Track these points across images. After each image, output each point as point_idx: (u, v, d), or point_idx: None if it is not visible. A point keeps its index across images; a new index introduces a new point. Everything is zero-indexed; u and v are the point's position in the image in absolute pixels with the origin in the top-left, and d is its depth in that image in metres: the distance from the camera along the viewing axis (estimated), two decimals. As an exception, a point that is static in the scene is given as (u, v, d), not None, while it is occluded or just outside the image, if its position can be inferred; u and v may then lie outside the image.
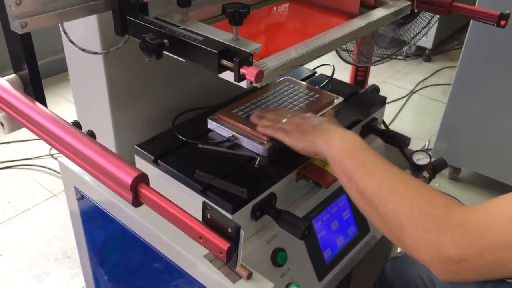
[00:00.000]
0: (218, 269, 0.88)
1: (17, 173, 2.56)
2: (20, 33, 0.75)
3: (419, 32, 2.08)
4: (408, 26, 1.99)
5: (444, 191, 2.52)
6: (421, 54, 3.89)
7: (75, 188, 1.16)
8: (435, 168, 1.22)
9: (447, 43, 4.07)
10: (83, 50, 0.95)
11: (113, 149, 1.09)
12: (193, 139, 1.03)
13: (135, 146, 1.02)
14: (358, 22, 0.97)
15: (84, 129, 1.15)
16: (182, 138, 1.03)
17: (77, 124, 0.76)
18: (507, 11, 1.09)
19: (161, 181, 0.99)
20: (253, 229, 0.96)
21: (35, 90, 0.82)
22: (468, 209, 0.73)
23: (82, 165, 0.65)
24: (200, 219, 0.98)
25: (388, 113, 1.41)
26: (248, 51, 0.73)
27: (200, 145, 1.01)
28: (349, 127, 1.14)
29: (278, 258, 0.96)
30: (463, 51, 2.26)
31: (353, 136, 0.90)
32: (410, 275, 1.24)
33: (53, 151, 2.68)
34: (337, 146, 0.88)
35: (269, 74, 0.76)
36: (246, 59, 0.72)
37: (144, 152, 1.01)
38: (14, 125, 0.82)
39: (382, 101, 1.26)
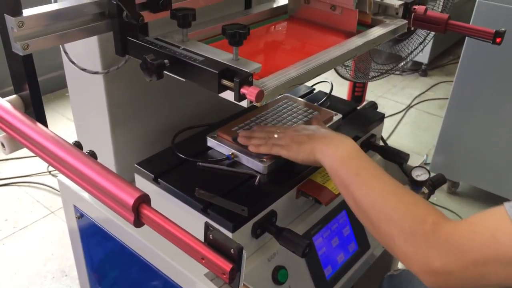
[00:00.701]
0: (219, 287, 0.88)
1: (15, 190, 2.55)
2: (21, 54, 0.75)
3: (415, 48, 2.10)
4: (405, 42, 2.01)
5: (442, 205, 2.52)
6: (417, 69, 3.92)
7: (74, 206, 1.15)
8: (434, 184, 1.22)
9: (442, 58, 4.11)
10: (84, 70, 0.96)
11: (113, 167, 1.10)
12: (193, 157, 1.03)
13: (135, 165, 1.02)
14: (356, 41, 0.98)
15: (84, 147, 1.15)
16: (182, 156, 1.04)
17: (78, 145, 0.76)
18: (503, 29, 1.11)
19: (161, 199, 0.99)
20: (253, 247, 0.95)
21: (36, 111, 0.83)
22: (454, 226, 0.76)
23: (83, 186, 0.65)
24: (202, 238, 0.97)
25: (385, 128, 1.41)
26: (248, 71, 0.74)
27: (200, 163, 1.02)
28: (348, 143, 1.14)
29: (279, 275, 0.96)
30: (459, 65, 2.28)
31: (347, 142, 0.92)
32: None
33: (51, 168, 2.67)
34: (332, 154, 0.90)
35: (269, 94, 0.77)
36: (246, 79, 0.73)
37: (144, 170, 1.01)
38: (15, 146, 0.82)
39: (381, 118, 1.27)
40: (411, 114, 3.42)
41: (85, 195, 1.10)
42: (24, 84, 0.81)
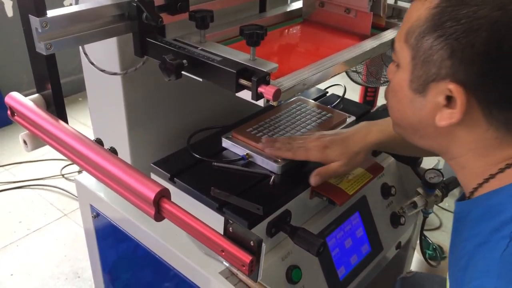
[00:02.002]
0: (234, 285, 0.89)
1: (29, 193, 2.59)
2: (45, 54, 0.77)
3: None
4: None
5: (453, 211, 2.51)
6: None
7: (91, 206, 1.17)
8: (447, 187, 1.22)
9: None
10: (103, 71, 0.98)
11: (129, 167, 1.11)
12: (208, 157, 1.05)
13: (151, 164, 1.04)
14: (370, 43, 0.99)
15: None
16: (197, 156, 1.05)
17: (99, 142, 0.78)
18: None
19: (177, 198, 1.00)
20: (268, 246, 0.96)
21: (58, 109, 0.85)
22: None
23: (105, 181, 0.67)
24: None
25: (397, 133, 1.43)
26: (265, 70, 0.75)
27: (215, 163, 1.03)
28: (362, 145, 1.15)
29: (293, 275, 0.96)
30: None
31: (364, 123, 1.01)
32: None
33: (64, 171, 2.70)
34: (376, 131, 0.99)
35: (286, 93, 0.78)
36: (263, 79, 0.74)
37: (160, 170, 1.02)
38: (37, 143, 0.84)
39: (393, 120, 1.27)
40: (422, 120, 3.41)
41: (102, 194, 1.12)
42: (46, 83, 0.83)
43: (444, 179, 1.21)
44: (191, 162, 1.05)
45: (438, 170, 1.21)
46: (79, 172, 2.53)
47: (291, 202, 0.98)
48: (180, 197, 0.99)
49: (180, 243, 0.98)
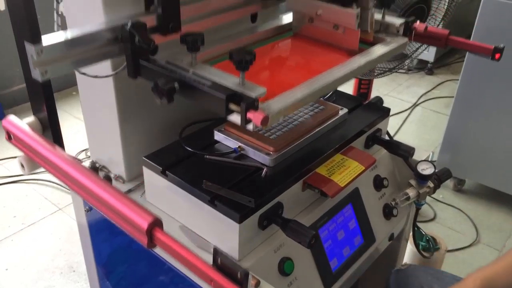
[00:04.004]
0: (226, 278, 0.89)
1: (23, 187, 2.58)
2: (40, 80, 0.78)
3: (420, 46, 2.11)
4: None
5: (448, 203, 2.53)
6: (423, 67, 3.92)
7: (83, 199, 1.17)
8: (439, 178, 1.23)
9: (448, 57, 4.11)
10: (95, 76, 0.97)
11: (121, 161, 1.11)
12: (200, 150, 1.05)
13: (143, 158, 1.04)
14: (359, 61, 1.00)
15: (94, 141, 1.18)
16: (190, 149, 1.05)
17: (94, 168, 0.78)
18: (502, 45, 1.13)
19: (169, 191, 1.00)
20: (260, 238, 0.97)
21: (54, 133, 0.86)
22: None
23: (99, 208, 0.69)
24: (210, 231, 1.00)
25: (391, 126, 1.42)
26: (253, 96, 0.77)
27: (207, 156, 1.03)
28: (354, 138, 1.16)
29: (285, 267, 0.97)
30: (465, 64, 2.28)
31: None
32: (413, 287, 1.25)
33: (59, 165, 2.70)
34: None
35: (274, 117, 0.80)
36: (252, 104, 0.76)
37: (152, 163, 1.02)
38: (33, 166, 0.85)
39: (386, 112, 1.28)
40: (417, 112, 3.42)
41: (94, 188, 1.12)
42: (42, 106, 0.84)
43: (436, 170, 1.21)
44: (183, 155, 1.05)
45: (431, 161, 1.22)
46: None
47: (283, 195, 0.98)
48: (172, 190, 1.00)
49: (173, 236, 0.99)
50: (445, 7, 1.98)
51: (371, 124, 1.22)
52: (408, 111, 3.40)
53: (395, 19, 1.15)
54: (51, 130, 0.85)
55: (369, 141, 1.22)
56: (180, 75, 0.84)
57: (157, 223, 0.63)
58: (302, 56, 1.11)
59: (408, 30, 1.15)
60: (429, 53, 3.72)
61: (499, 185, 2.43)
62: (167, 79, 0.81)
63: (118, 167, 1.14)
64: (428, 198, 2.61)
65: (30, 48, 0.76)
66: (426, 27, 1.16)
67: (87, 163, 1.20)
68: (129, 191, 1.11)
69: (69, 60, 0.81)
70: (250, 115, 0.75)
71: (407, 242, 1.53)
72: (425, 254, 1.59)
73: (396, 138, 3.04)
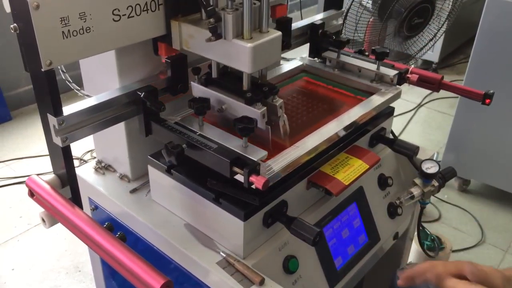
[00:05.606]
0: (231, 275, 0.90)
1: (29, 188, 2.59)
2: (61, 146, 0.84)
3: (425, 45, 2.11)
4: (414, 39, 2.02)
5: (453, 203, 2.52)
6: (428, 67, 3.91)
7: (89, 198, 1.18)
8: (444, 177, 1.23)
9: (453, 57, 4.10)
10: None
11: (127, 159, 1.12)
12: (205, 149, 1.05)
13: (148, 156, 1.04)
14: (355, 112, 1.07)
15: (99, 140, 1.18)
16: (194, 148, 1.06)
17: (109, 228, 0.92)
18: (491, 91, 1.19)
19: (174, 190, 1.01)
20: (265, 236, 0.97)
21: (72, 191, 0.92)
22: None
23: (114, 265, 0.72)
24: (215, 227, 0.99)
25: (396, 126, 1.42)
26: (255, 160, 0.85)
27: (212, 155, 1.03)
28: (358, 136, 1.16)
29: (289, 265, 0.97)
30: (469, 64, 2.28)
31: None
32: (419, 287, 1.25)
33: (64, 166, 2.71)
34: None
35: (273, 176, 0.89)
36: (254, 169, 0.83)
37: (157, 161, 1.03)
38: (54, 221, 0.90)
39: (390, 111, 1.28)
40: (421, 113, 3.41)
41: (100, 187, 1.13)
42: (61, 164, 0.89)
43: (440, 169, 1.21)
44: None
45: (435, 160, 1.22)
46: (78, 166, 2.53)
47: (287, 193, 0.98)
48: (177, 189, 1.00)
49: (178, 235, 0.99)
50: (449, 7, 1.98)
51: (375, 123, 1.22)
52: (413, 112, 3.39)
53: (389, 70, 1.23)
54: (70, 187, 0.92)
55: (373, 140, 1.22)
56: (188, 137, 0.92)
57: (169, 285, 0.67)
58: (307, 103, 1.21)
59: (402, 80, 1.23)
60: (433, 54, 3.71)
61: (505, 185, 2.43)
62: (176, 140, 0.91)
63: (123, 166, 1.15)
64: (433, 199, 2.61)
65: (52, 119, 0.83)
66: (419, 77, 1.23)
67: (92, 163, 1.20)
68: (135, 190, 1.11)
69: (88, 126, 0.90)
70: (252, 179, 0.82)
71: (412, 241, 1.53)
72: (430, 253, 1.59)
73: (400, 138, 3.04)
